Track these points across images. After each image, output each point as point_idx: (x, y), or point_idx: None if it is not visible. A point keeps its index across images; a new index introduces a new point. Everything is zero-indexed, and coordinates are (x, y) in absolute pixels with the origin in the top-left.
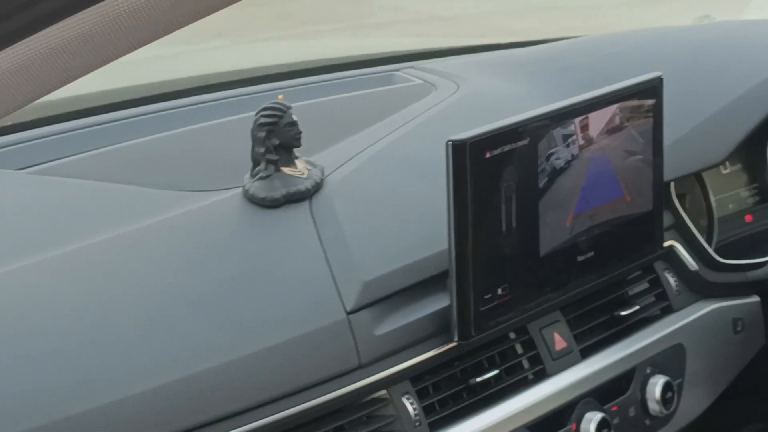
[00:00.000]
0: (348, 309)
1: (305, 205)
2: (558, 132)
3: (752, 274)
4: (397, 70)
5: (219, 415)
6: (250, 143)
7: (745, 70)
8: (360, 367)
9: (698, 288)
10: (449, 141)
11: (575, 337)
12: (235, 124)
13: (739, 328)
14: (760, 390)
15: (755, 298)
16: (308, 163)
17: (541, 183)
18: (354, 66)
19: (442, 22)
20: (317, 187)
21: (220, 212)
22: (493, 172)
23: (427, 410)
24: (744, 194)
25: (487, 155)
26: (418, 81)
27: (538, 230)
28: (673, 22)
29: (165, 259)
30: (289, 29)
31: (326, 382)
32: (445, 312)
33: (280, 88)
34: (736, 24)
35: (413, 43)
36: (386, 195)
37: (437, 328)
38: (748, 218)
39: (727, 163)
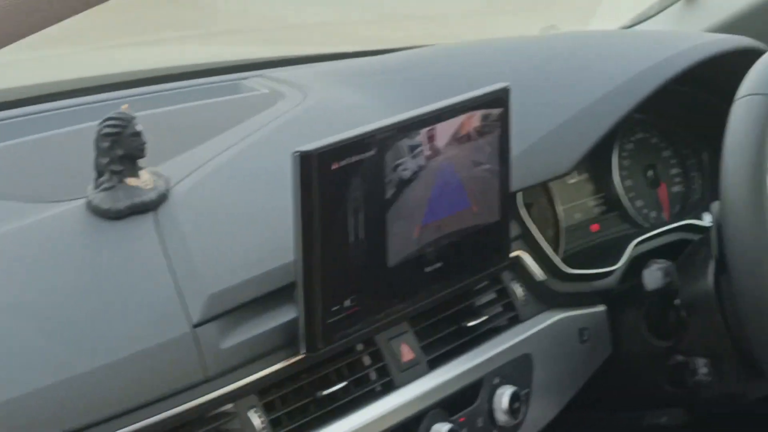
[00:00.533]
0: (193, 322)
1: (150, 216)
2: (405, 143)
3: (598, 284)
4: (244, 78)
5: None
6: (93, 153)
7: (591, 81)
8: (206, 381)
9: (545, 298)
10: (295, 152)
11: (423, 348)
12: (78, 134)
13: (585, 338)
14: (605, 400)
15: (601, 308)
16: (153, 173)
17: (389, 194)
18: (200, 74)
19: (290, 30)
20: (162, 198)
21: (62, 224)
22: (339, 184)
23: (275, 423)
24: (590, 204)
25: (334, 166)
26: (265, 90)
27: (385, 241)
28: (520, 32)
29: (3, 273)
30: (132, 36)
31: (171, 396)
32: (292, 324)
33: (124, 97)
34: (582, 35)
35: (261, 51)
36: (232, 206)
37: (285, 340)
38: (594, 228)
39: (574, 174)
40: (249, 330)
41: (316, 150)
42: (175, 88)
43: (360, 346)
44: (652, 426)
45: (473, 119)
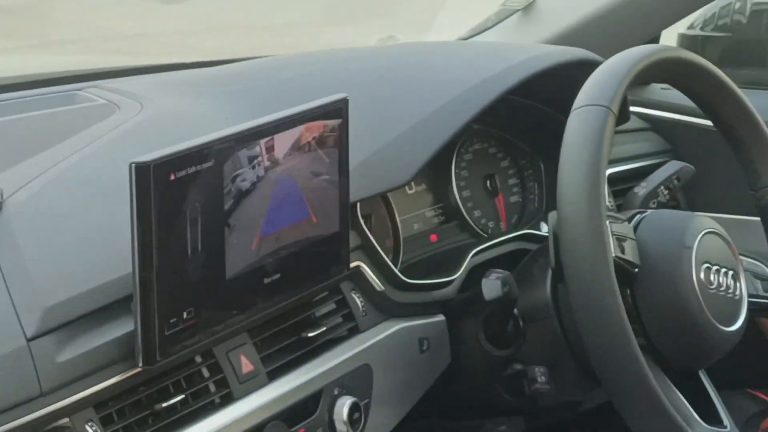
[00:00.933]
0: (28, 335)
1: None
2: (244, 153)
3: (437, 294)
4: (80, 89)
5: None
6: None
7: (430, 92)
8: (42, 395)
9: (385, 308)
10: (132, 163)
11: (262, 359)
12: None
13: (425, 348)
14: (445, 409)
15: (440, 317)
16: None
17: (227, 205)
18: (35, 85)
19: (129, 40)
20: None
21: None
22: (178, 195)
23: None
24: (429, 214)
25: (172, 177)
26: (101, 101)
27: (224, 253)
28: (359, 43)
29: None
30: None
31: (5, 411)
32: (130, 337)
33: None
34: (421, 45)
35: (97, 61)
36: (68, 218)
37: (122, 353)
38: (433, 238)
39: (413, 184)
40: (86, 343)
41: (154, 161)
42: (10, 99)
43: (198, 359)
44: None
45: (312, 130)
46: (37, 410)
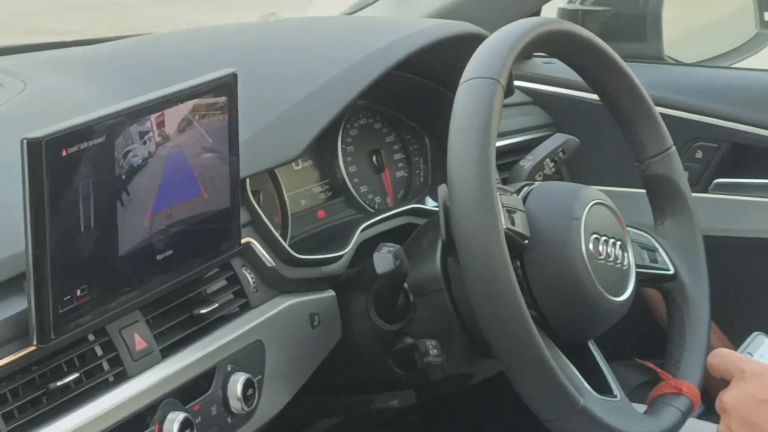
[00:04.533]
0: None
1: None
2: (135, 129)
3: (327, 269)
4: None
5: None
6: None
7: (315, 68)
8: None
9: (275, 284)
10: (24, 139)
11: (155, 336)
12: None
13: (316, 323)
14: (337, 384)
15: (331, 293)
16: None
17: (119, 181)
18: None
19: None
20: None
21: None
22: (69, 171)
23: (6, 417)
24: (316, 190)
25: (64, 153)
26: None
27: (117, 229)
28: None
29: None
30: None
31: None
32: (23, 315)
33: None
34: (304, 21)
35: None
36: None
37: (15, 332)
38: (321, 214)
39: (299, 161)
40: None
41: (45, 137)
42: None
43: (91, 336)
44: (383, 408)
45: (201, 105)
46: None
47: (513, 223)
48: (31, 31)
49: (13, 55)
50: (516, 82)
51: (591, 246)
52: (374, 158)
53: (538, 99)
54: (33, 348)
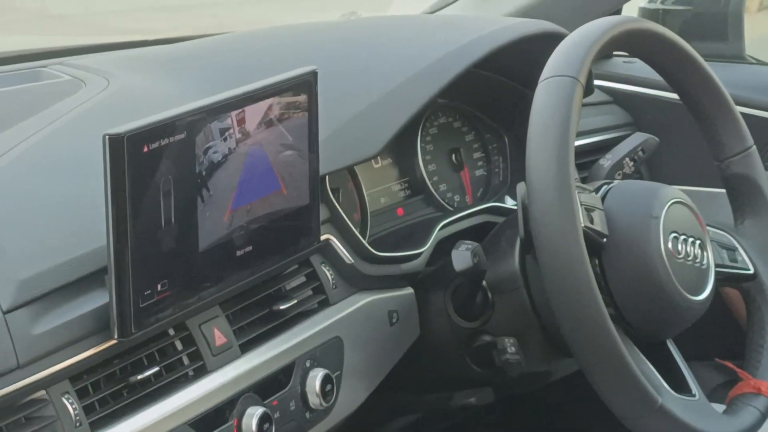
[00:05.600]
0: (3, 309)
1: None
2: (215, 126)
3: (406, 267)
4: (44, 66)
5: None
6: None
7: (395, 66)
8: (18, 367)
9: (354, 281)
10: (106, 135)
11: (235, 332)
12: None
13: (394, 320)
14: (415, 381)
15: (409, 290)
16: None
17: (200, 178)
18: None
19: (55, 20)
20: None
21: None
22: (151, 167)
23: (88, 410)
24: (395, 188)
25: (145, 149)
26: (67, 77)
27: (197, 225)
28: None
29: None
30: None
31: None
32: (104, 309)
33: None
34: (385, 19)
35: (33, 41)
36: (40, 192)
37: (97, 325)
38: (400, 212)
39: (379, 159)
40: (61, 316)
41: (127, 132)
42: None
43: (171, 331)
44: (461, 406)
45: (282, 102)
46: (14, 382)
47: (591, 222)
48: (115, 31)
49: (96, 54)
50: (596, 82)
51: (670, 245)
52: (453, 156)
53: (617, 98)
54: (114, 342)
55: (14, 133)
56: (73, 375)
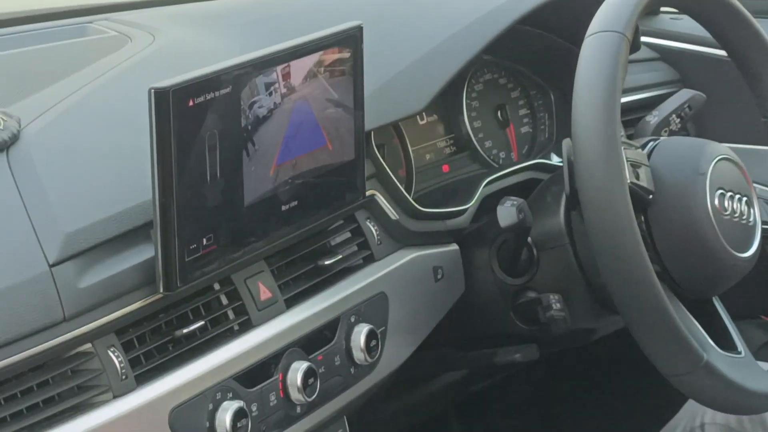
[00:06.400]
0: (50, 262)
1: (2, 156)
2: (260, 80)
3: (451, 223)
4: (90, 22)
5: None
6: None
7: (442, 20)
8: (65, 320)
9: (399, 237)
10: (151, 88)
11: (280, 287)
12: None
13: (439, 276)
14: (460, 337)
15: (454, 246)
16: (3, 114)
17: (245, 132)
18: (43, 18)
19: None
20: (14, 138)
21: None
22: (196, 121)
23: (134, 363)
24: (441, 145)
25: (191, 103)
26: (113, 33)
27: (242, 180)
28: None
29: None
30: None
31: (28, 336)
32: (150, 263)
33: None
34: None
35: None
36: (86, 146)
37: (142, 279)
38: (445, 168)
39: (424, 115)
40: (106, 269)
41: (173, 86)
42: (21, 32)
43: (217, 286)
44: (506, 362)
45: (327, 57)
46: (60, 335)
47: (637, 178)
48: None
49: (141, 9)
50: (643, 38)
51: (716, 201)
52: (499, 113)
53: (664, 55)
54: (159, 296)
55: (61, 87)
56: (119, 328)
